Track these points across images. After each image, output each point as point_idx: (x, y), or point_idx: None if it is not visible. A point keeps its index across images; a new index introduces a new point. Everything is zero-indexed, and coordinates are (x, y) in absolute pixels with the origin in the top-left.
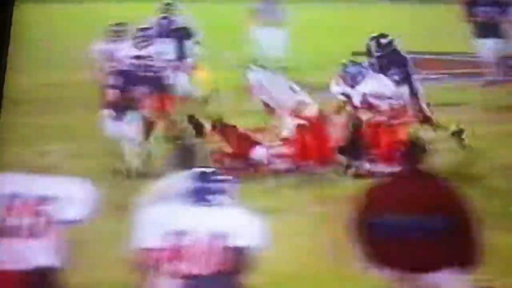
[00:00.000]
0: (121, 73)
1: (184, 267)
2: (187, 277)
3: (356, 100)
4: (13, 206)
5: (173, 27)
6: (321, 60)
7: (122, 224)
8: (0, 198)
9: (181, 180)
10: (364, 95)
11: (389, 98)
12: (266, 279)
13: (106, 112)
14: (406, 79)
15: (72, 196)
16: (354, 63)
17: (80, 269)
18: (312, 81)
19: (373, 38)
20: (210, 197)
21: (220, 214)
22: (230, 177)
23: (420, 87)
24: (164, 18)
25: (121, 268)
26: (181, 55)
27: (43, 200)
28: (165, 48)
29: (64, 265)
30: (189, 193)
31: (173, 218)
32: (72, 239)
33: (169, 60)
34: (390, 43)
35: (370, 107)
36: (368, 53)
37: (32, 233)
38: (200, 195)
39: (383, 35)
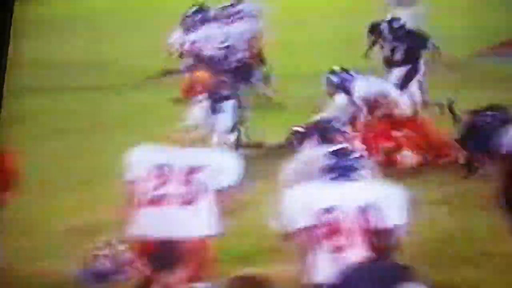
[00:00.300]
0: (211, 62)
1: (339, 243)
2: (343, 252)
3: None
4: (164, 175)
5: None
6: (462, 36)
7: (266, 194)
8: (152, 168)
9: (319, 157)
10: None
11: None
12: (414, 252)
13: (200, 100)
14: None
15: (221, 165)
16: (334, 72)
17: (230, 237)
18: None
19: (385, 21)
20: (350, 173)
21: (364, 188)
22: (365, 153)
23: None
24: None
25: (269, 237)
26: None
27: (193, 169)
28: (213, 33)
29: (216, 232)
30: (328, 169)
31: (320, 195)
32: (222, 207)
33: (220, 47)
34: (403, 26)
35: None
36: (380, 36)
37: (185, 201)
38: (340, 171)
39: (396, 19)
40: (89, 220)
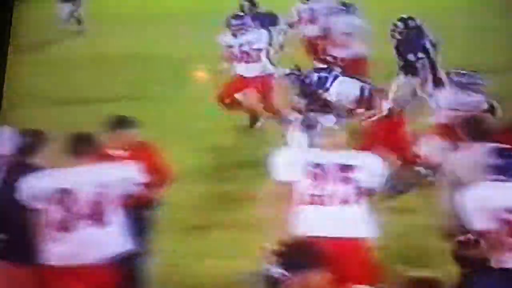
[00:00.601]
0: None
1: None
2: None
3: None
4: (322, 175)
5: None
6: None
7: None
8: (308, 168)
9: (480, 155)
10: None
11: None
12: None
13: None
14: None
15: (370, 167)
16: (319, 69)
17: (391, 238)
18: None
19: (400, 19)
20: None
21: None
22: None
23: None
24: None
25: (431, 239)
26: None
27: (347, 169)
28: (258, 37)
29: (376, 233)
30: (494, 169)
31: (498, 195)
32: (378, 208)
33: (260, 49)
34: (417, 26)
35: None
36: (392, 34)
37: (344, 201)
38: (510, 171)
39: (411, 18)
40: (248, 218)
